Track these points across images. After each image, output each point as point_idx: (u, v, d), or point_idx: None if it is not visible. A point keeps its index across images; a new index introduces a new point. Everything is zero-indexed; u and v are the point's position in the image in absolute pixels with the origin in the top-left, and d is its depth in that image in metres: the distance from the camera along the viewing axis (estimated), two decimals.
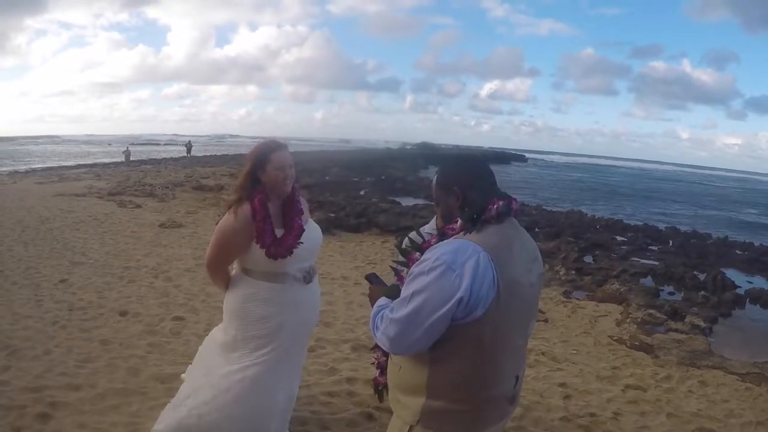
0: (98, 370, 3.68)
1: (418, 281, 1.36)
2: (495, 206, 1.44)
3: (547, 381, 4.28)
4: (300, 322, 2.50)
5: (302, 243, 2.40)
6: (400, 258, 1.61)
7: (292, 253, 2.36)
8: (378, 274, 1.79)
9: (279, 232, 2.38)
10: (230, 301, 2.52)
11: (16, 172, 23.29)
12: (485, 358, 1.40)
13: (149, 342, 4.35)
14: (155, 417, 2.72)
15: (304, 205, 2.60)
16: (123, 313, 5.01)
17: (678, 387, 4.39)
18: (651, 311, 6.74)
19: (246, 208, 2.36)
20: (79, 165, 29.21)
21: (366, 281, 1.78)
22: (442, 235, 1.53)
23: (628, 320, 6.44)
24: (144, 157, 35.04)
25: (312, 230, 2.55)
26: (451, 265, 1.33)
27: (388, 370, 1.65)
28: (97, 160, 34.34)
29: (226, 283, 2.54)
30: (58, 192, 14.25)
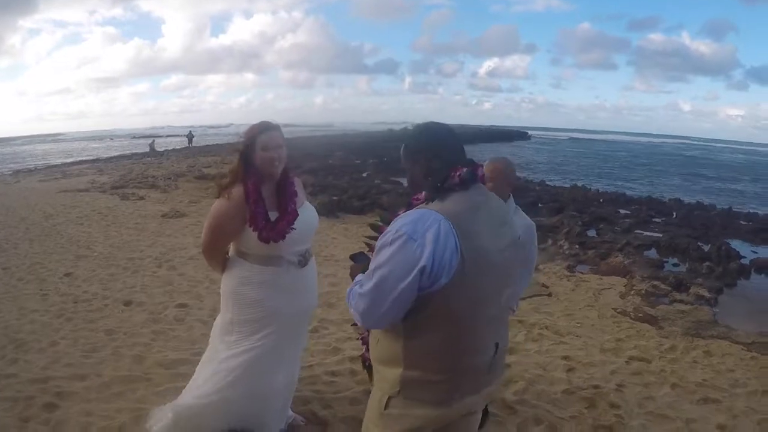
0: (103, 359, 3.72)
1: (381, 254, 1.37)
2: (458, 173, 1.43)
3: (550, 354, 4.29)
4: (296, 306, 2.48)
5: (294, 228, 2.37)
6: (372, 233, 1.60)
7: (284, 237, 2.34)
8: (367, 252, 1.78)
9: (273, 215, 2.36)
10: (226, 284, 2.52)
11: (19, 171, 23.32)
12: (459, 327, 1.40)
13: (153, 330, 4.39)
14: (159, 402, 2.77)
15: (300, 188, 2.57)
16: (127, 303, 5.05)
17: (682, 357, 4.38)
18: (655, 283, 6.72)
19: (239, 190, 2.34)
20: (81, 161, 29.24)
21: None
22: (408, 205, 1.53)
23: (632, 292, 6.43)
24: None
25: (307, 213, 2.52)
26: (411, 235, 1.33)
27: (369, 344, 1.66)
28: (100, 155, 34.39)
29: (223, 266, 2.53)
30: (61, 188, 14.29)
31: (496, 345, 1.49)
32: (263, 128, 2.39)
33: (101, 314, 4.72)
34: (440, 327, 1.39)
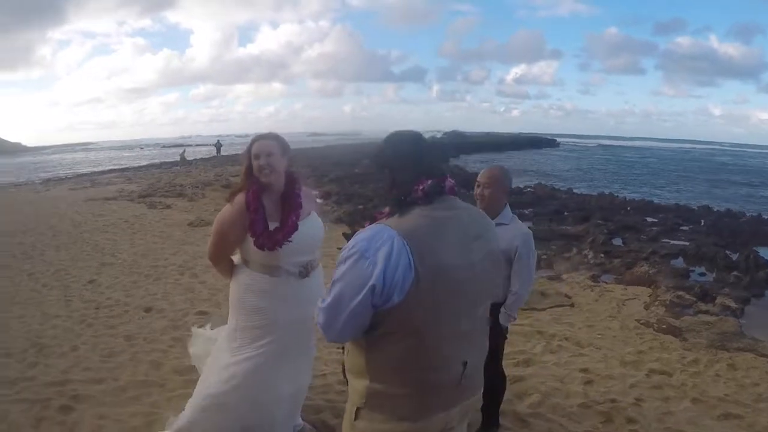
0: (121, 364, 3.80)
1: (338, 270, 1.36)
2: (421, 187, 1.40)
3: (568, 366, 4.19)
4: (296, 316, 2.47)
5: (291, 241, 2.37)
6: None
7: (278, 247, 2.35)
8: None
9: (273, 225, 2.39)
10: (232, 290, 2.57)
11: (50, 179, 24.10)
12: (420, 343, 1.36)
13: (172, 336, 4.45)
14: (172, 407, 2.81)
15: (309, 199, 2.58)
16: (148, 310, 5.15)
17: (705, 371, 4.22)
18: (680, 293, 6.51)
19: (241, 198, 2.39)
20: (111, 170, 30.04)
21: None
22: (372, 219, 1.50)
23: (656, 303, 6.24)
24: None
25: (309, 226, 2.52)
26: (364, 253, 1.32)
27: None
28: (129, 164, 35.24)
29: (230, 273, 2.58)
30: (89, 197, 14.70)
31: (465, 363, 1.43)
32: (256, 137, 2.47)
33: (122, 320, 4.82)
34: (401, 342, 1.36)
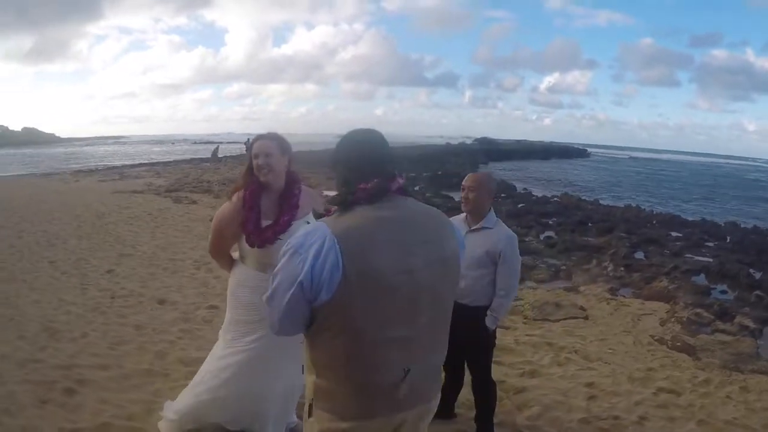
0: (128, 353, 3.89)
1: (278, 264, 1.38)
2: (365, 186, 1.39)
3: (573, 380, 4.10)
4: None
5: (281, 239, 2.39)
6: None
7: (268, 244, 2.39)
8: None
9: (267, 224, 2.43)
10: (229, 284, 2.64)
11: (80, 171, 24.73)
12: (355, 343, 1.36)
13: (181, 328, 4.53)
14: (173, 396, 2.87)
15: (309, 200, 2.60)
16: (161, 301, 5.25)
17: (716, 392, 4.07)
18: (698, 310, 6.32)
19: (239, 195, 2.46)
20: (141, 164, 30.68)
21: None
22: (320, 216, 1.52)
23: (672, 320, 6.08)
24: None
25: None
26: (298, 249, 1.34)
27: None
28: (160, 159, 35.93)
29: (230, 267, 2.64)
30: (117, 189, 15.05)
31: (406, 370, 1.40)
32: (257, 137, 2.51)
33: (134, 310, 4.93)
34: (335, 340, 1.37)
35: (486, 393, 2.97)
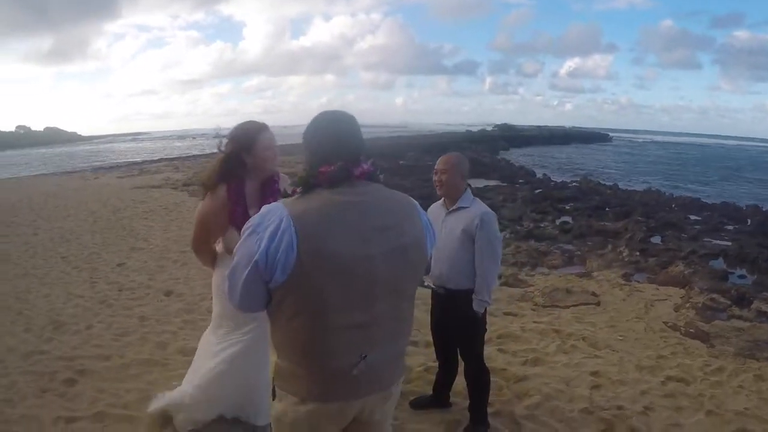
0: (130, 343, 3.95)
1: (239, 242, 1.39)
2: (326, 170, 1.38)
3: (578, 368, 4.00)
4: None
5: None
6: None
7: None
8: None
9: (253, 212, 2.39)
10: (215, 279, 2.63)
11: (101, 167, 25.19)
12: (309, 325, 1.36)
13: (184, 319, 4.58)
14: (170, 386, 2.90)
15: (284, 182, 2.58)
16: (168, 293, 5.31)
17: (728, 381, 3.91)
18: (714, 296, 6.13)
19: (223, 189, 2.41)
20: (161, 159, 31.08)
21: None
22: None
23: (687, 305, 5.90)
24: None
25: None
26: (256, 228, 1.34)
27: None
28: (180, 154, 36.36)
29: (213, 262, 2.62)
30: (135, 185, 15.28)
31: (362, 356, 1.40)
32: (261, 127, 2.44)
33: (141, 302, 5.00)
34: (292, 321, 1.37)
35: (479, 382, 2.92)
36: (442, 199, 2.87)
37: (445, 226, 2.77)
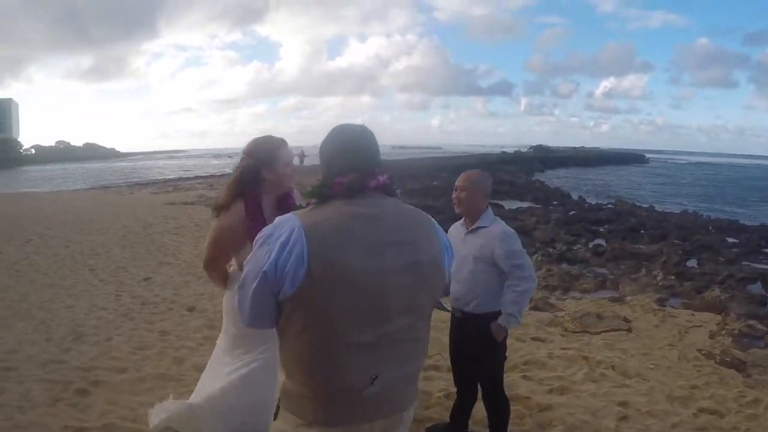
0: (148, 357, 3.96)
1: (251, 253, 1.35)
2: (341, 181, 1.35)
3: (606, 398, 3.79)
4: None
5: None
6: None
7: None
8: None
9: None
10: (229, 298, 2.54)
11: (137, 183, 25.95)
12: (318, 343, 1.30)
13: (204, 335, 4.57)
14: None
15: (299, 197, 2.56)
16: (190, 309, 5.34)
17: (764, 414, 3.62)
18: (752, 322, 5.81)
19: (240, 205, 2.35)
20: (196, 176, 31.85)
21: None
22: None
23: (723, 332, 5.60)
24: None
25: None
26: (267, 239, 1.31)
27: None
28: (216, 172, 37.08)
29: (225, 281, 2.56)
30: (169, 201, 15.64)
31: (373, 378, 1.33)
32: (281, 143, 2.41)
33: (162, 317, 5.03)
34: (301, 339, 1.31)
35: (497, 410, 2.78)
36: (463, 218, 2.78)
37: (464, 247, 2.68)
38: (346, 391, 1.33)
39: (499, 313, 2.63)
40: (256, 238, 1.34)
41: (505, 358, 2.84)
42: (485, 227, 2.65)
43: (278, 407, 1.42)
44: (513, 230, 2.68)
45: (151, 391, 3.36)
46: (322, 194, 1.36)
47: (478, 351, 2.69)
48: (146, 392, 3.35)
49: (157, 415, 2.68)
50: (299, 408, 1.37)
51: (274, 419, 1.44)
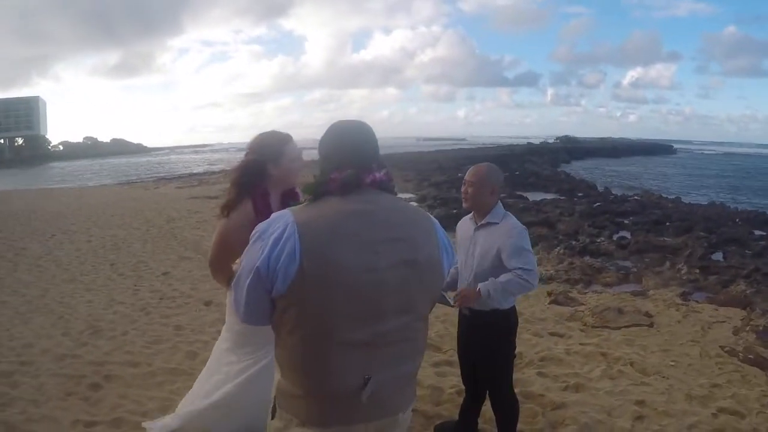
0: (160, 351, 4.01)
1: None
2: (336, 177, 1.32)
3: (622, 397, 3.68)
4: None
5: None
6: None
7: None
8: None
9: None
10: (230, 298, 2.53)
11: (162, 178, 26.36)
12: (309, 341, 1.29)
13: (219, 330, 4.48)
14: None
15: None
16: (207, 303, 5.39)
17: None
18: None
19: (248, 203, 2.31)
20: (222, 170, 32.14)
21: None
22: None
23: (747, 328, 5.40)
24: None
25: None
26: (262, 234, 1.30)
27: None
28: None
29: (229, 280, 2.55)
30: (193, 195, 15.83)
31: (367, 378, 1.31)
32: (287, 138, 2.38)
33: (179, 311, 5.10)
34: (294, 337, 1.31)
35: (505, 411, 2.72)
36: (472, 212, 2.70)
37: (473, 243, 2.61)
38: (338, 391, 1.31)
39: (505, 312, 2.57)
40: (252, 233, 1.34)
41: (515, 356, 2.77)
42: (495, 223, 2.57)
43: (275, 406, 1.41)
44: (523, 226, 2.59)
45: (161, 386, 3.41)
46: (318, 190, 1.35)
47: (483, 349, 2.64)
48: (156, 387, 3.40)
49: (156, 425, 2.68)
50: (293, 407, 1.36)
51: (272, 418, 1.43)
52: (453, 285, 2.73)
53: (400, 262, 1.31)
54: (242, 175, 2.35)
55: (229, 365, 2.55)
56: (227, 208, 2.36)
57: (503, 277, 2.48)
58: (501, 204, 2.63)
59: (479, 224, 2.62)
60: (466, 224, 2.73)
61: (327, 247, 1.25)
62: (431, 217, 1.47)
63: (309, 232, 1.26)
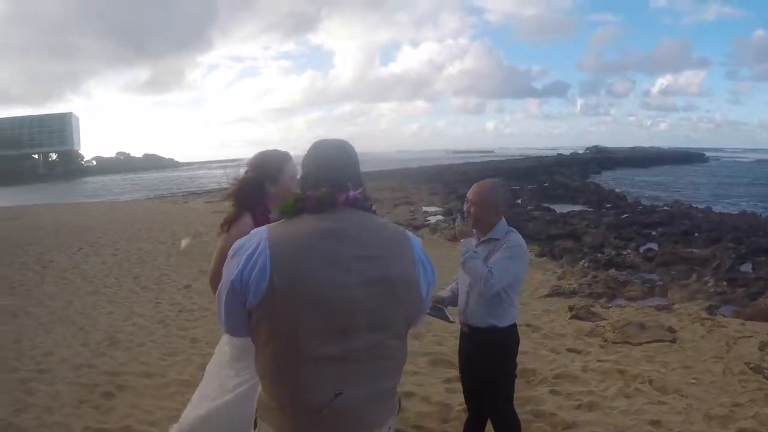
0: (175, 363, 4.10)
1: None
2: (311, 195, 1.36)
3: (637, 416, 3.56)
4: None
5: None
6: None
7: None
8: None
9: None
10: None
11: (192, 193, 26.88)
12: (280, 354, 1.32)
13: None
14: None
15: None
16: None
17: None
18: None
19: (248, 219, 2.35)
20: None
21: None
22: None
23: None
24: None
25: None
26: (238, 250, 1.34)
27: None
28: None
29: None
30: (222, 209, 16.05)
31: (337, 393, 1.31)
32: (287, 157, 2.43)
33: (196, 324, 5.20)
34: (266, 350, 1.34)
35: (502, 428, 2.68)
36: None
37: None
38: (308, 406, 1.33)
39: (503, 329, 2.54)
40: (231, 248, 1.38)
41: (516, 375, 2.72)
42: (496, 239, 2.55)
43: (257, 418, 1.44)
44: (523, 244, 2.55)
45: (173, 397, 3.47)
46: (294, 208, 1.38)
47: (483, 366, 2.61)
48: (168, 398, 3.47)
49: None
50: (272, 418, 1.38)
51: (254, 429, 1.46)
52: (453, 300, 2.72)
53: (372, 280, 1.32)
54: (239, 191, 2.40)
55: (228, 378, 2.59)
56: (227, 223, 2.40)
57: (481, 263, 2.44)
58: (504, 220, 2.60)
59: (481, 240, 2.61)
60: (469, 239, 2.72)
61: (296, 264, 1.28)
62: (408, 233, 1.48)
63: (279, 248, 1.29)
